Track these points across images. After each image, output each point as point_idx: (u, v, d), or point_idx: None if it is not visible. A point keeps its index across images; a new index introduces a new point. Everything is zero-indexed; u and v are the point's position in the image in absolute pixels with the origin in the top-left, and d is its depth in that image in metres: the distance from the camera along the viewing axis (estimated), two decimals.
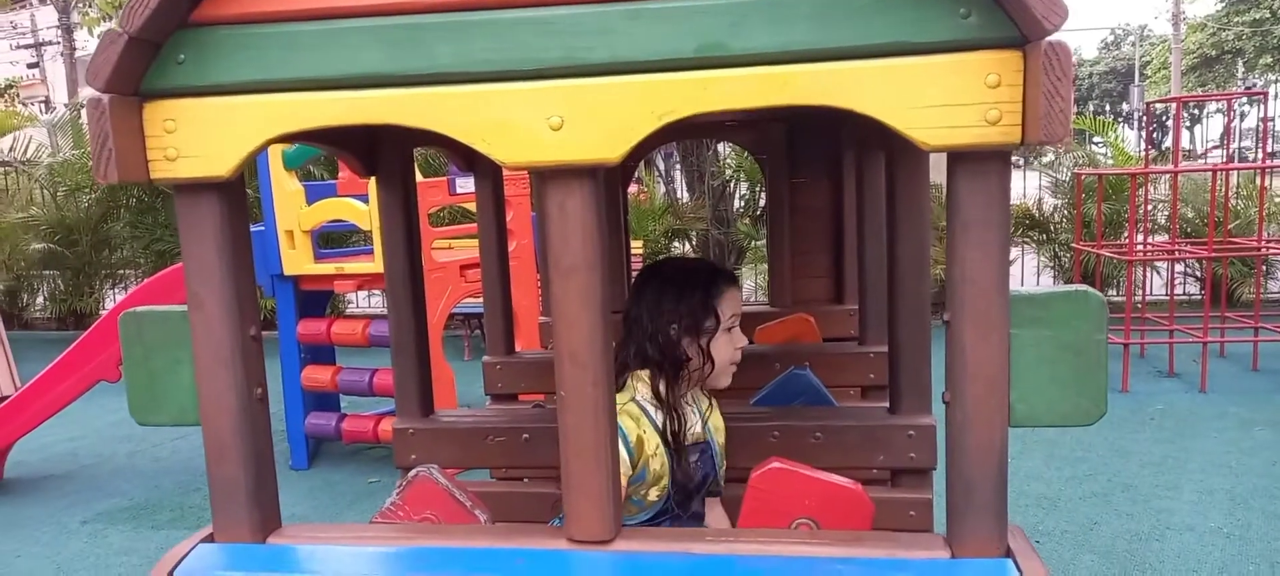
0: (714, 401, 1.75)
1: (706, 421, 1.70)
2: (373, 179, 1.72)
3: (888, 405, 1.72)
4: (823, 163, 2.88)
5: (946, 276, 1.06)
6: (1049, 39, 0.90)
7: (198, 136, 1.10)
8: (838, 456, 1.66)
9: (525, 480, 1.99)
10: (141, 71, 1.09)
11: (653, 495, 1.59)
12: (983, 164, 1.01)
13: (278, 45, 1.08)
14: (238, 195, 1.17)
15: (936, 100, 0.98)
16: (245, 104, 1.09)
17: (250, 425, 1.19)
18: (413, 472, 1.30)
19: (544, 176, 1.09)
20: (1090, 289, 1.04)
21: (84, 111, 1.05)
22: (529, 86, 1.05)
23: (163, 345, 1.20)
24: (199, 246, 1.14)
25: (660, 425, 1.59)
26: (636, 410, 1.59)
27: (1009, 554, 1.05)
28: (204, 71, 1.09)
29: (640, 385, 1.62)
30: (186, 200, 1.13)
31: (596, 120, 1.04)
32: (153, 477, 4.36)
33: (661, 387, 1.60)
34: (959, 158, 1.01)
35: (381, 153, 1.68)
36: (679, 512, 1.62)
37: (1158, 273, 7.52)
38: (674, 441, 1.59)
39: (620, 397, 1.60)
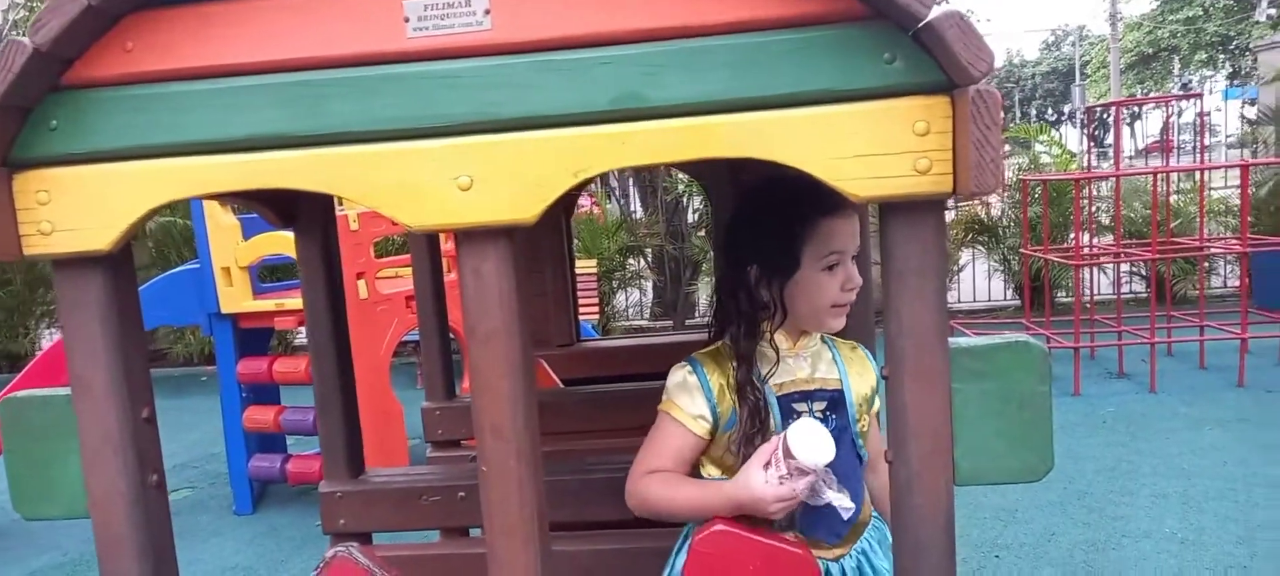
0: (860, 348, 1.44)
1: (843, 365, 1.37)
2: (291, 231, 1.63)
3: None
4: None
5: (884, 328, 1.02)
6: (977, 87, 0.86)
7: (75, 208, 1.01)
8: None
9: (472, 532, 1.90)
10: (9, 139, 1.00)
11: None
12: (917, 212, 0.96)
13: (162, 107, 0.99)
14: (125, 267, 1.08)
15: (863, 149, 0.93)
16: (127, 171, 1.00)
17: (144, 515, 1.09)
18: (331, 553, 1.22)
19: (457, 238, 1.02)
20: (1031, 339, 1.00)
21: None
22: (435, 144, 0.98)
23: (47, 433, 1.10)
24: (82, 325, 1.05)
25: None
26: (729, 351, 1.34)
27: None
28: (80, 137, 1.00)
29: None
30: (66, 276, 1.04)
31: (508, 179, 0.97)
32: (87, 532, 4.16)
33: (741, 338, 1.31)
34: (892, 207, 0.96)
35: (299, 202, 1.59)
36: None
37: (1105, 273, 7.64)
38: (739, 391, 1.29)
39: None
